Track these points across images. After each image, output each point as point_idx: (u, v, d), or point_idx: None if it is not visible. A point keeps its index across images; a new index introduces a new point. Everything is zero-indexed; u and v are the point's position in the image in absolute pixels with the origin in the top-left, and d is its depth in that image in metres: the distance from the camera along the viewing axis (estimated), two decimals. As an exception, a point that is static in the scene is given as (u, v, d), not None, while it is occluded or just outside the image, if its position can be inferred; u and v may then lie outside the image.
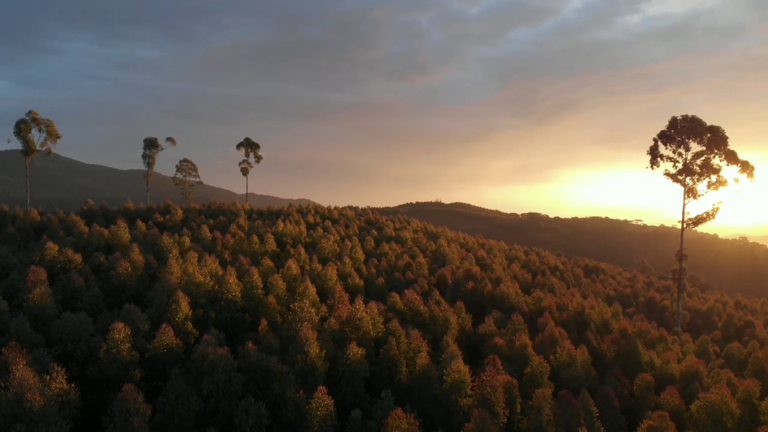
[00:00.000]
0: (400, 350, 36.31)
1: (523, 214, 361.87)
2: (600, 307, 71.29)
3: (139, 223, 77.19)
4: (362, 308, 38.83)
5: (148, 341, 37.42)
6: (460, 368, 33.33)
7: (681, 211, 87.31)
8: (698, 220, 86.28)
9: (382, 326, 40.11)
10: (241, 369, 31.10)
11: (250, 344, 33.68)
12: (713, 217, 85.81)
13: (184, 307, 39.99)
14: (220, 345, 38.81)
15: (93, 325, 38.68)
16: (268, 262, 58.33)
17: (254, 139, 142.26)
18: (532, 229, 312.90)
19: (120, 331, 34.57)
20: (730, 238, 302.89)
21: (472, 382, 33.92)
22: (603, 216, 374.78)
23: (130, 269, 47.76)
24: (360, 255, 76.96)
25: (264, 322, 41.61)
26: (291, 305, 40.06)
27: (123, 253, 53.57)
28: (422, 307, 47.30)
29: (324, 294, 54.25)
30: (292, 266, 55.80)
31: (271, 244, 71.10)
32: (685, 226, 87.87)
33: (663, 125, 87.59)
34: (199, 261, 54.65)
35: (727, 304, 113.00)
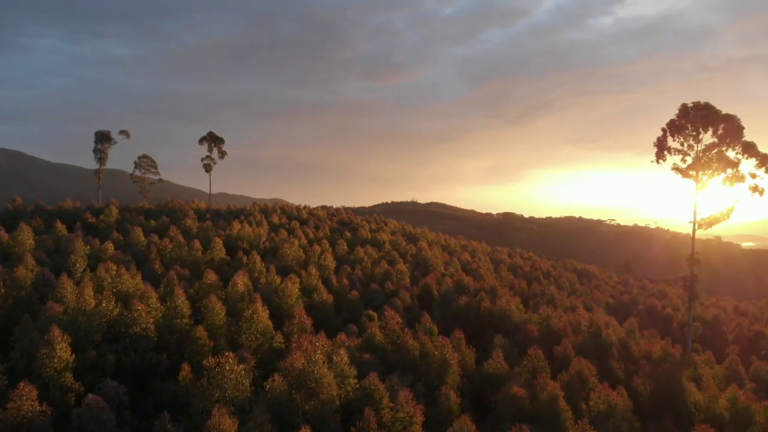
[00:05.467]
0: (380, 423, 24.02)
1: (498, 214, 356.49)
2: (613, 324, 60.96)
3: (59, 225, 63.26)
4: (323, 358, 26.28)
5: (1, 406, 24.67)
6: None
7: (693, 210, 76.89)
8: (712, 221, 76.72)
9: (354, 381, 27.61)
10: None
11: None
12: (728, 217, 76.64)
13: (62, 351, 27.14)
14: (117, 402, 26.40)
15: None
16: (211, 276, 45.56)
17: (225, 136, 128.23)
18: (507, 229, 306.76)
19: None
20: (704, 238, 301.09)
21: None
22: (577, 216, 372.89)
23: (2, 290, 34.30)
24: (330, 262, 64.74)
25: (186, 368, 29.13)
26: (204, 362, 27.36)
27: (8, 266, 39.98)
28: (410, 342, 35.05)
29: (281, 316, 42.21)
30: (239, 281, 43.20)
31: (219, 251, 57.96)
32: (697, 227, 78.24)
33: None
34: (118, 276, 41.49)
35: (727, 310, 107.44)
